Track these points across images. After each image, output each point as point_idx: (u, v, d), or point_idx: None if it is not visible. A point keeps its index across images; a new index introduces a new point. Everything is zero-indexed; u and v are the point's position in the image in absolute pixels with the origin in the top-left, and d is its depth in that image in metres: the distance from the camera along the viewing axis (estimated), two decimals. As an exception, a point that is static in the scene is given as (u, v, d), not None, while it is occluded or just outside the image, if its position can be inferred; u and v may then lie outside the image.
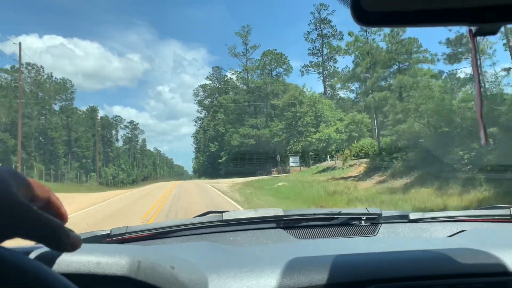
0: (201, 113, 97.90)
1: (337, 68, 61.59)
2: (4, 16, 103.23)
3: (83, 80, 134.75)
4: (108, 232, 1.42)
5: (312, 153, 41.69)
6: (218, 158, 62.27)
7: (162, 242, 1.43)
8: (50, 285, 0.43)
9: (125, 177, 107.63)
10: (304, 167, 42.46)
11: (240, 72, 58.53)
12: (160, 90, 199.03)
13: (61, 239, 0.48)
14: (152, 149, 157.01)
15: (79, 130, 79.16)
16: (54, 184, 48.37)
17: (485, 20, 0.49)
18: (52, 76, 68.60)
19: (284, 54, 56.20)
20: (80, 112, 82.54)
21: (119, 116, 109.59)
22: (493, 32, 0.54)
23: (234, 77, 58.72)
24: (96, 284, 0.71)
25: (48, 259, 0.67)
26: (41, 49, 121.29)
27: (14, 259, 0.43)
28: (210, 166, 73.94)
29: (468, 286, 0.91)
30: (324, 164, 38.03)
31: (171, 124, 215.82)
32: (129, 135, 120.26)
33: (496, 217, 1.64)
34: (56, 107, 70.80)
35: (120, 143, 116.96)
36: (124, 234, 1.41)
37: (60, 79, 70.94)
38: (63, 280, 0.46)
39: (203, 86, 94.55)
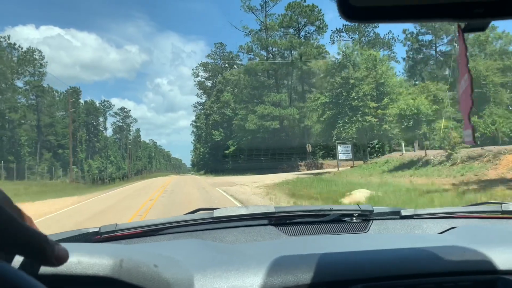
0: (201, 97, 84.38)
1: (378, 34, 48.20)
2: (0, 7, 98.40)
3: (81, 72, 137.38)
4: (97, 229, 1.40)
5: (350, 141, 28.27)
6: (224, 148, 49.04)
7: (151, 240, 1.43)
8: (15, 285, 0.41)
9: (114, 170, 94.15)
10: (354, 160, 29.00)
11: (257, 32, 43.96)
12: (158, 83, 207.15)
13: (46, 252, 0.45)
14: (148, 141, 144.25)
15: (56, 115, 65.71)
16: (3, 183, 35.37)
17: (473, 16, 0.49)
18: (14, 44, 54.78)
19: (317, 6, 41.74)
20: (57, 93, 68.75)
21: (107, 101, 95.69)
22: (482, 29, 0.53)
23: (248, 39, 43.78)
24: (78, 284, 0.69)
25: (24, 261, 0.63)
26: (38, 40, 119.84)
27: None
28: (212, 159, 60.65)
29: (454, 285, 0.91)
30: (395, 156, 24.64)
31: (169, 117, 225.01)
32: (120, 124, 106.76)
33: (487, 214, 1.65)
34: (20, 84, 56.73)
35: (110, 132, 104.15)
36: (113, 231, 1.40)
37: (27, 48, 57.04)
38: (30, 281, 0.43)
39: (204, 65, 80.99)
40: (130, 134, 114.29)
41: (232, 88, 50.46)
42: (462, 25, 0.54)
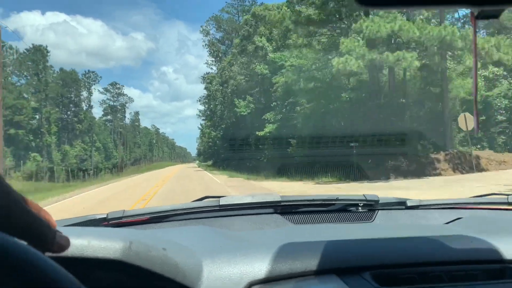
0: (211, 67, 63.75)
1: None
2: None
3: (86, 59, 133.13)
4: (105, 216, 1.42)
5: None
6: (253, 128, 29.15)
7: (158, 226, 1.44)
8: (39, 269, 0.42)
9: (102, 159, 74.73)
10: None
11: None
12: (164, 71, 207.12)
13: (48, 238, 0.45)
14: (150, 127, 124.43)
15: (6, 81, 46.14)
16: None
17: (488, 2, 0.47)
18: None
19: None
20: (10, 51, 48.54)
21: (93, 73, 75.13)
22: (496, 16, 0.52)
23: None
24: (88, 268, 0.69)
25: None
26: (44, 26, 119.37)
27: None
28: (228, 147, 40.58)
29: (464, 273, 0.90)
30: None
31: (174, 106, 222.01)
32: (111, 102, 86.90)
33: (493, 205, 1.65)
34: None
35: (99, 113, 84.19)
36: (121, 218, 1.42)
37: None
38: (53, 265, 0.43)
39: (216, 20, 60.54)
40: (125, 117, 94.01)
41: (269, 29, 30.22)
42: (475, 12, 0.52)
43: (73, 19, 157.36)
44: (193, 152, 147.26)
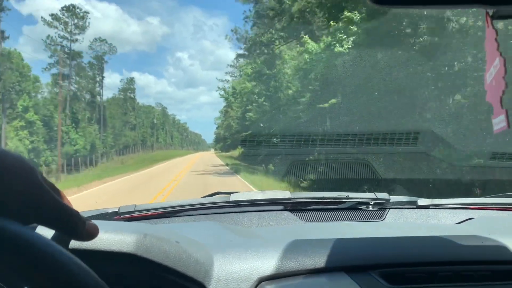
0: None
1: None
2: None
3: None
4: (117, 210, 1.44)
5: None
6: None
7: (169, 221, 1.45)
8: (58, 262, 0.42)
9: (36, 147, 37.32)
10: None
11: None
12: (179, 57, 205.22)
13: (78, 227, 0.47)
14: (154, 105, 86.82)
15: None
16: None
17: (502, 2, 0.45)
18: None
19: None
20: None
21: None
22: None
23: None
24: (100, 261, 0.69)
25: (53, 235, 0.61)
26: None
27: (18, 232, 0.41)
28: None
29: (474, 274, 0.88)
30: None
31: (189, 92, 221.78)
32: (67, 44, 48.73)
33: (506, 206, 1.62)
34: None
35: (43, 61, 43.23)
36: (132, 212, 1.44)
37: None
38: (74, 259, 0.44)
39: None
40: (103, 76, 54.83)
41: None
42: (491, 12, 0.50)
43: (88, 3, 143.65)
44: (208, 139, 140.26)
